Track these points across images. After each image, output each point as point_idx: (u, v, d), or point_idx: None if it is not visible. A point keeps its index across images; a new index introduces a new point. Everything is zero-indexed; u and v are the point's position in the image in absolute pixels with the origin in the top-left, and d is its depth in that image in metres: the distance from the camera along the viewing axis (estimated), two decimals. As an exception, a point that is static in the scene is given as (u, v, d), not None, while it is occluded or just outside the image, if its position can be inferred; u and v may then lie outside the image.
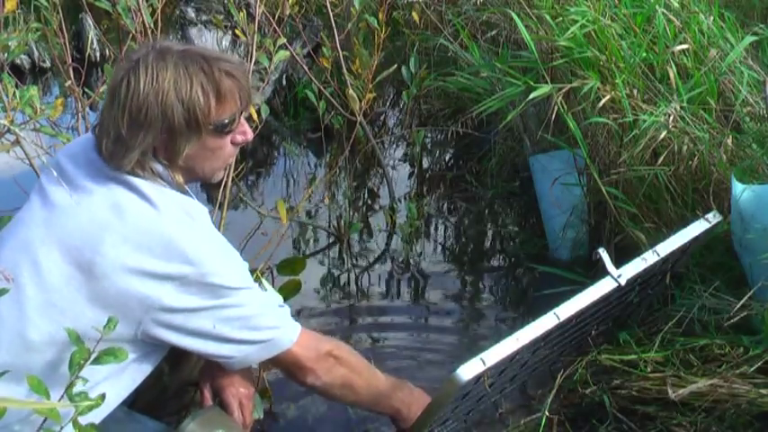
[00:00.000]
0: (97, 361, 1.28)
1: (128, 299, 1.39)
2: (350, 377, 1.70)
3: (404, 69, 3.77)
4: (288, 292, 1.83)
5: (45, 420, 1.27)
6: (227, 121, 1.49)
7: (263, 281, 1.72)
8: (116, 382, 1.47)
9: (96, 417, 1.33)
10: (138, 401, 1.74)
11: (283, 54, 2.53)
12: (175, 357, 1.76)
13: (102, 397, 1.27)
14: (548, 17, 2.85)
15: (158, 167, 1.48)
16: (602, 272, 1.90)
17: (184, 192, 1.55)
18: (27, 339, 1.39)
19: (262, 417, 1.85)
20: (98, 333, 1.29)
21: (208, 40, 4.83)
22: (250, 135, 1.56)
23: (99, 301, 1.39)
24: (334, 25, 3.60)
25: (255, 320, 1.51)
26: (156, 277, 1.39)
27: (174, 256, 1.40)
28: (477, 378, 1.69)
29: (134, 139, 1.44)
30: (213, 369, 1.71)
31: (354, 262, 3.14)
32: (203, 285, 1.42)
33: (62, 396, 1.25)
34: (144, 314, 1.40)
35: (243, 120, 1.55)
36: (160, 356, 1.58)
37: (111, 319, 1.33)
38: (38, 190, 1.52)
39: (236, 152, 1.58)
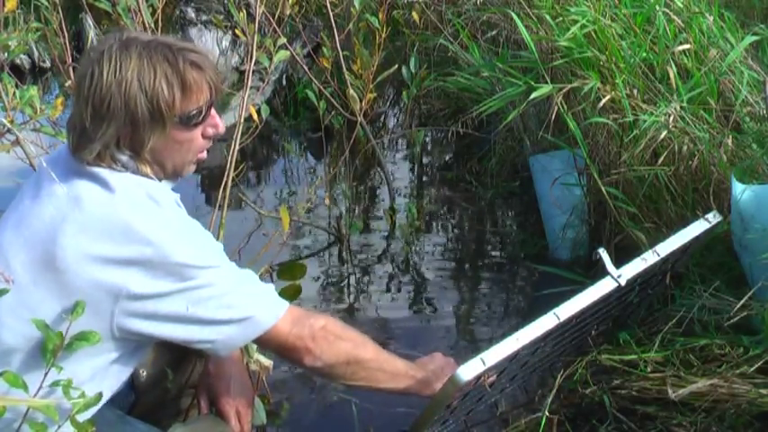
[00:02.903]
0: (70, 347, 1.26)
1: (94, 289, 1.35)
2: (355, 351, 1.59)
3: (404, 69, 3.77)
4: (287, 296, 1.81)
5: (28, 410, 1.26)
6: (193, 112, 1.45)
7: None
8: (101, 381, 1.44)
9: (83, 416, 1.32)
10: (138, 405, 1.73)
11: (283, 54, 2.53)
12: (177, 360, 1.75)
13: (100, 395, 1.26)
14: (548, 17, 2.85)
15: (123, 158, 1.44)
16: (602, 272, 1.89)
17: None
18: (3, 343, 1.38)
19: (265, 422, 1.83)
20: (73, 330, 1.27)
21: (208, 40, 4.83)
22: (221, 127, 1.51)
23: (67, 297, 1.35)
24: (334, 25, 3.60)
25: (230, 297, 1.44)
26: (119, 263, 1.35)
27: (134, 240, 1.35)
28: (477, 378, 1.69)
29: (96, 132, 1.40)
30: (210, 377, 1.69)
31: (354, 262, 3.14)
32: (169, 266, 1.37)
33: (38, 391, 1.24)
34: (114, 305, 1.36)
35: (213, 112, 1.50)
36: (144, 354, 1.55)
37: (78, 303, 1.29)
38: (19, 194, 1.52)
39: (208, 145, 1.53)
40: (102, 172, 1.42)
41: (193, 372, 1.82)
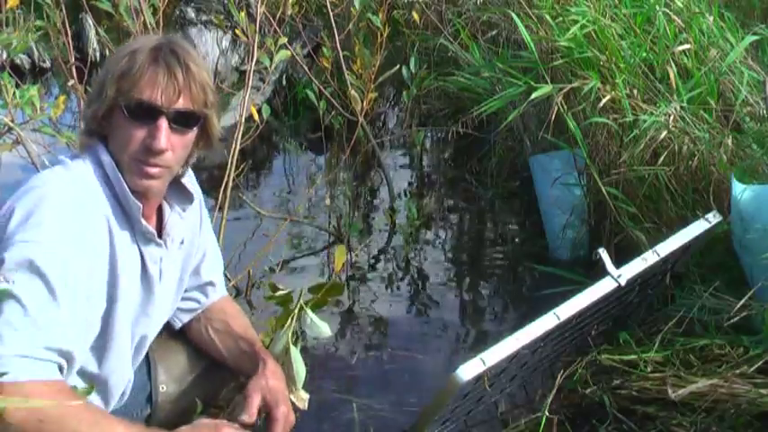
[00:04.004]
0: None
1: None
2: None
3: (404, 69, 3.77)
4: (314, 306, 1.78)
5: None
6: (130, 99, 1.40)
7: (312, 314, 1.65)
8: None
9: None
10: (155, 419, 1.67)
11: (284, 54, 2.54)
12: (203, 379, 1.74)
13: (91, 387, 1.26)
14: (548, 17, 2.85)
15: (103, 154, 1.45)
16: (602, 272, 1.90)
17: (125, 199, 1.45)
18: None
19: None
20: None
21: (208, 40, 4.83)
22: (157, 144, 1.41)
23: None
24: (334, 25, 3.60)
25: (10, 326, 1.23)
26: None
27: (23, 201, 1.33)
28: (477, 378, 1.69)
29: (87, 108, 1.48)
30: (267, 383, 1.59)
31: (354, 262, 3.14)
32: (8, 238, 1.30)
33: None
34: None
35: (162, 125, 1.42)
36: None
37: None
38: None
39: (138, 151, 1.43)
40: (68, 161, 1.45)
41: (221, 391, 1.80)
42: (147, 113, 1.42)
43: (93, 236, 1.39)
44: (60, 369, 1.30)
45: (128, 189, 1.45)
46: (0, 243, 1.31)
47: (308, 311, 1.64)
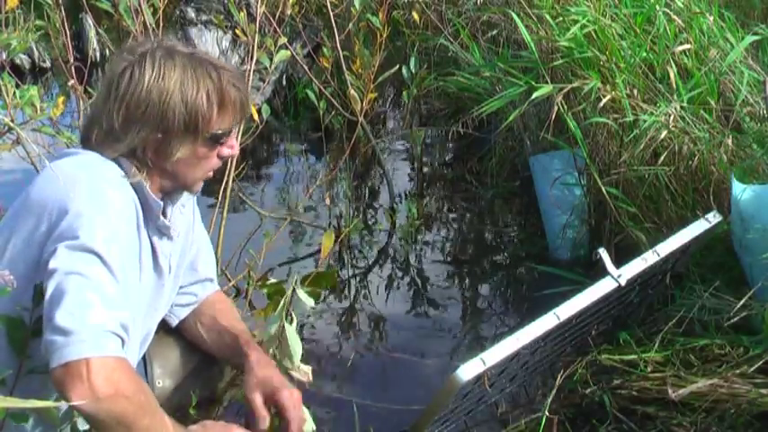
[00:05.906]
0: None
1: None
2: (133, 417, 1.27)
3: (404, 69, 3.77)
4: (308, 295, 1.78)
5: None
6: (221, 131, 1.49)
7: (299, 288, 1.65)
8: None
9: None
10: None
11: (284, 54, 2.54)
12: (198, 372, 1.74)
13: None
14: (548, 17, 2.85)
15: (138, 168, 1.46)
16: (602, 272, 1.90)
17: (153, 199, 1.49)
18: None
19: (314, 429, 1.74)
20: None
21: (208, 40, 4.83)
22: (236, 150, 1.56)
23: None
24: (334, 25, 3.60)
25: (79, 300, 1.24)
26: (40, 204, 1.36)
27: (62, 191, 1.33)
28: (477, 378, 1.69)
29: (125, 134, 1.42)
30: (256, 378, 1.59)
31: (354, 262, 3.14)
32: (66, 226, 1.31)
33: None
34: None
35: (233, 133, 1.55)
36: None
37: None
38: None
39: (219, 164, 1.56)
40: (87, 151, 1.46)
41: (216, 385, 1.80)
42: (230, 133, 1.52)
43: (128, 220, 1.41)
44: (123, 344, 1.30)
45: (147, 187, 1.47)
46: (48, 239, 1.32)
47: (298, 289, 1.64)
